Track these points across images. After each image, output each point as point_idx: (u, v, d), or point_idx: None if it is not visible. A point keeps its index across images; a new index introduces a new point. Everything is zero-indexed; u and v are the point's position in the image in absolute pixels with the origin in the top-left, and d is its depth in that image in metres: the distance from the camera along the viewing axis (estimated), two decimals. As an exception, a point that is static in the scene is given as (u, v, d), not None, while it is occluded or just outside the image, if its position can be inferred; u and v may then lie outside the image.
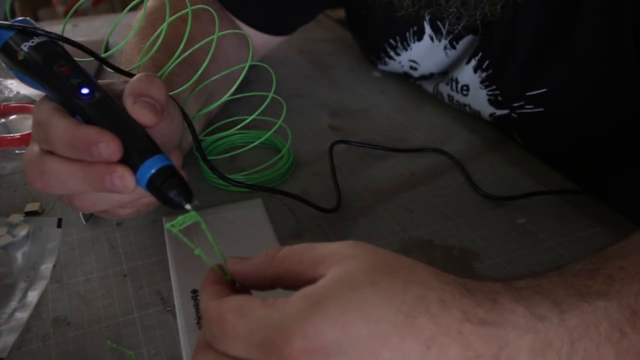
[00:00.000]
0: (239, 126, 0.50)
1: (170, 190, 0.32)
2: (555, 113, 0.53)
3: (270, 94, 0.48)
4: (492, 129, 0.61)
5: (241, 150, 0.52)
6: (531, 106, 0.54)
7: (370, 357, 0.23)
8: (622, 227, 0.46)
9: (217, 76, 0.49)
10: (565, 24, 0.49)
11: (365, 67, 0.75)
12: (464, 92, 0.60)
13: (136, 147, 0.32)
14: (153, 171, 0.31)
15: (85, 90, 0.33)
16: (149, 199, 0.35)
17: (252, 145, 0.52)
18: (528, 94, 0.53)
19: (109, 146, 0.31)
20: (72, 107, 0.34)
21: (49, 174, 0.34)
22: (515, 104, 0.55)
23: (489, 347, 0.24)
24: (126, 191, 0.32)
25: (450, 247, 0.44)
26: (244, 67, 0.57)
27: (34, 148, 0.35)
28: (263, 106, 0.49)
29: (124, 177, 0.32)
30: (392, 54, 0.66)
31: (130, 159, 0.32)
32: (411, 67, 0.66)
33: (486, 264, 0.42)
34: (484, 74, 0.57)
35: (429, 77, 0.66)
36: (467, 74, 0.58)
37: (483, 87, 0.57)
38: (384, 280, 0.25)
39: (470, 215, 0.48)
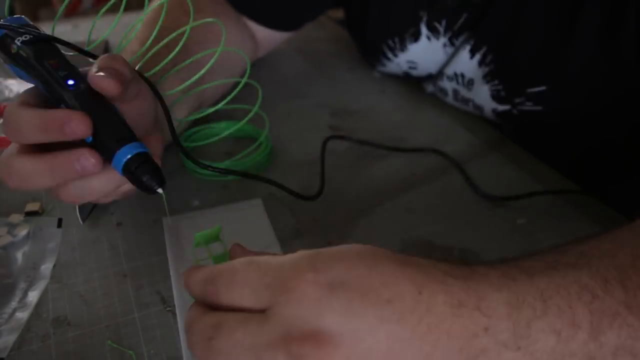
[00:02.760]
0: (208, 110, 0.50)
1: (143, 174, 0.35)
2: (553, 112, 0.54)
3: (244, 80, 0.48)
4: (491, 129, 0.61)
5: (215, 138, 0.51)
6: (530, 103, 0.54)
7: (370, 292, 0.25)
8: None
9: (209, 85, 0.50)
10: (568, 24, 0.49)
11: (365, 67, 0.75)
12: (470, 87, 0.60)
13: (114, 134, 0.35)
14: (129, 157, 0.34)
15: (71, 82, 0.36)
16: (129, 185, 0.37)
17: (225, 133, 0.51)
18: (529, 90, 0.53)
19: (80, 123, 0.34)
20: (58, 97, 0.36)
21: (17, 172, 0.36)
22: (516, 100, 0.55)
23: (470, 298, 0.26)
24: (96, 169, 0.34)
25: (450, 247, 0.44)
26: (240, 65, 0.58)
27: (8, 150, 0.37)
28: (235, 91, 0.48)
29: (90, 156, 0.34)
30: (390, 55, 0.66)
31: (109, 146, 0.35)
32: (410, 67, 0.66)
33: (486, 264, 0.42)
34: (487, 69, 0.57)
35: (427, 78, 0.66)
36: (472, 68, 0.58)
37: (486, 82, 0.57)
38: (377, 249, 0.28)
39: (470, 215, 0.48)
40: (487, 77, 0.57)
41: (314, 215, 0.47)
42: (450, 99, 0.65)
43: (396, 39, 0.63)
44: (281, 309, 0.25)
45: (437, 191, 0.51)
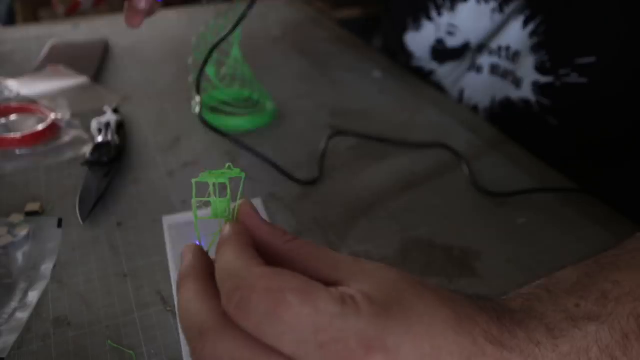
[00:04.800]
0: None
1: None
2: (598, 85, 0.53)
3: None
4: (492, 128, 0.61)
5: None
6: (576, 75, 0.53)
7: None
8: (622, 227, 0.46)
9: None
10: None
11: (365, 67, 0.75)
12: (515, 59, 0.59)
13: None
14: None
15: None
16: None
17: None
18: (577, 60, 0.53)
19: None
20: None
21: None
22: (561, 71, 0.55)
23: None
24: None
25: (450, 247, 0.44)
26: None
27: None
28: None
29: None
30: (433, 14, 0.64)
31: None
32: (448, 33, 0.64)
33: (486, 264, 0.42)
34: (537, 39, 0.56)
35: (460, 52, 0.64)
36: (522, 40, 0.57)
37: (533, 53, 0.57)
38: (427, 291, 0.24)
39: (471, 215, 0.48)
40: (536, 48, 0.56)
41: (314, 215, 0.47)
42: (485, 75, 0.63)
43: None
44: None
45: (437, 190, 0.51)
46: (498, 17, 0.59)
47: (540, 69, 0.56)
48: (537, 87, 0.58)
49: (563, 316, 0.27)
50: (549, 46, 0.55)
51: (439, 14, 0.64)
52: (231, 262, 0.24)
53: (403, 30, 0.70)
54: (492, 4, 0.59)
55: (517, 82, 0.60)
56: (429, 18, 0.65)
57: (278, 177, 0.52)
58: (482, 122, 0.63)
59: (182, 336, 0.36)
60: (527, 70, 0.58)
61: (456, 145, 0.57)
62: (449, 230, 0.46)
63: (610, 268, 0.29)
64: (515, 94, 0.60)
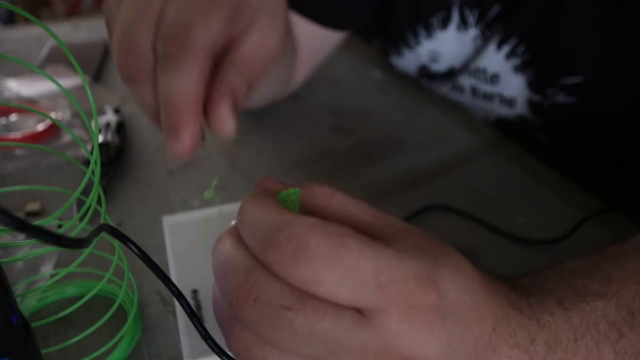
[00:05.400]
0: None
1: None
2: (586, 105, 0.52)
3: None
4: (491, 129, 0.61)
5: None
6: (563, 94, 0.53)
7: (468, 326, 0.24)
8: (623, 228, 0.46)
9: None
10: (615, 15, 0.48)
11: (365, 67, 0.75)
12: (494, 81, 0.59)
13: None
14: None
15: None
16: None
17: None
18: (563, 80, 0.53)
19: None
20: None
21: None
22: (549, 91, 0.54)
23: (524, 339, 0.26)
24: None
25: (450, 247, 0.44)
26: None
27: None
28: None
29: None
30: (412, 42, 0.64)
31: None
32: (432, 60, 0.64)
33: (486, 264, 0.42)
34: (519, 60, 0.56)
35: (447, 75, 0.64)
36: (497, 62, 0.57)
37: (519, 73, 0.56)
38: (461, 255, 0.27)
39: (470, 215, 0.48)
40: (521, 68, 0.56)
41: (314, 215, 0.47)
42: (467, 97, 0.63)
43: (422, 25, 0.61)
44: (390, 322, 0.22)
45: (437, 191, 0.51)
46: (480, 43, 0.59)
47: (531, 86, 0.56)
48: (532, 106, 0.58)
49: (571, 292, 0.28)
50: (533, 66, 0.55)
51: (418, 42, 0.63)
52: (273, 214, 0.23)
53: (387, 54, 0.70)
54: (473, 32, 0.59)
55: (510, 102, 0.59)
56: (409, 46, 0.65)
57: (278, 177, 0.52)
58: (482, 122, 0.63)
59: (182, 336, 0.36)
60: (518, 89, 0.57)
61: (456, 145, 0.57)
62: (449, 230, 0.46)
63: (613, 256, 0.30)
64: (509, 113, 0.60)
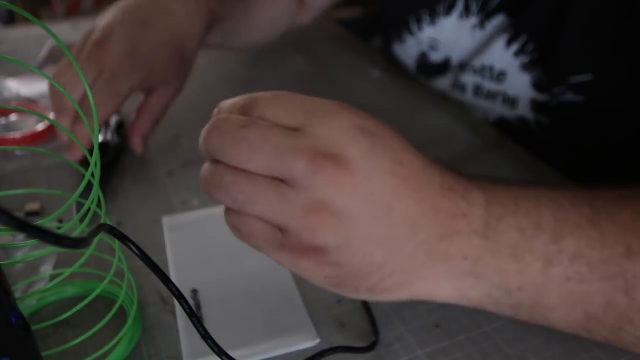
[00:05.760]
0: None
1: None
2: (595, 103, 0.52)
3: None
4: (491, 129, 0.61)
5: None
6: (571, 93, 0.53)
7: (390, 149, 0.30)
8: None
9: None
10: (626, 12, 0.48)
11: (365, 67, 0.75)
12: (500, 79, 0.59)
13: None
14: None
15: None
16: None
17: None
18: (572, 79, 0.52)
19: None
20: None
21: None
22: (556, 90, 0.54)
23: (459, 187, 0.30)
24: None
25: (450, 247, 0.44)
26: (277, 22, 0.67)
27: None
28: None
29: None
30: (414, 28, 0.64)
31: None
32: (430, 48, 0.64)
33: (486, 264, 0.42)
34: (527, 58, 0.55)
35: (443, 66, 0.64)
36: (505, 60, 0.57)
37: (526, 72, 0.56)
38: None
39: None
40: (528, 66, 0.56)
41: (314, 215, 0.47)
42: (469, 95, 0.63)
43: (427, 10, 0.62)
44: (315, 129, 0.29)
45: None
46: (479, 34, 0.59)
47: (537, 86, 0.56)
48: (536, 105, 0.57)
49: (520, 185, 0.32)
50: (541, 65, 0.55)
51: (420, 28, 0.64)
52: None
53: (390, 41, 0.70)
54: (473, 20, 0.58)
55: (512, 102, 0.59)
56: (411, 32, 0.65)
57: (278, 177, 0.52)
58: (482, 122, 0.63)
59: (182, 336, 0.36)
60: (523, 89, 0.57)
61: (456, 145, 0.57)
62: (449, 230, 0.46)
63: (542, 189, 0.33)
64: (511, 113, 0.60)
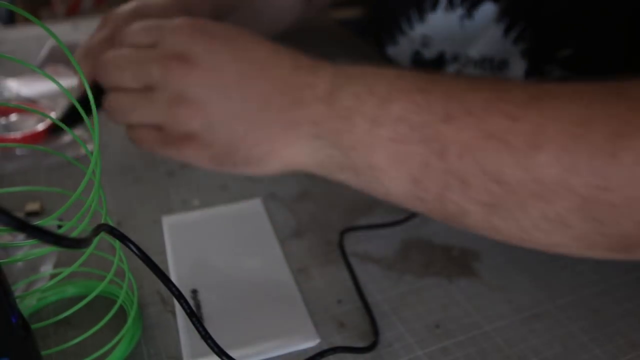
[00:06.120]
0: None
1: None
2: (577, 78, 0.52)
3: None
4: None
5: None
6: (559, 69, 0.53)
7: (231, 42, 0.37)
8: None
9: None
10: None
11: (365, 67, 0.75)
12: (502, 68, 0.58)
13: None
14: None
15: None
16: None
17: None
18: (557, 55, 0.52)
19: None
20: None
21: None
22: (546, 68, 0.54)
23: (309, 66, 0.37)
24: None
25: (450, 247, 0.44)
26: (284, 11, 0.70)
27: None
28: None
29: None
30: (406, 28, 0.64)
31: None
32: (423, 45, 0.64)
33: (486, 264, 0.42)
34: (525, 45, 0.55)
35: (438, 62, 0.64)
36: (504, 47, 0.57)
37: (522, 58, 0.56)
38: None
39: (470, 215, 0.48)
40: (524, 53, 0.55)
41: (314, 215, 0.47)
42: None
43: (415, 8, 0.62)
44: (166, 40, 0.36)
45: (437, 191, 0.51)
46: (469, 24, 0.59)
47: (529, 73, 0.56)
48: None
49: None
50: (534, 48, 0.55)
51: (411, 27, 0.64)
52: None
53: (383, 45, 0.71)
54: (459, 11, 0.58)
55: None
56: (403, 32, 0.65)
57: (278, 177, 0.52)
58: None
59: (182, 336, 0.36)
60: (521, 76, 0.57)
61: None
62: (449, 230, 0.46)
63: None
64: None
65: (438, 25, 0.61)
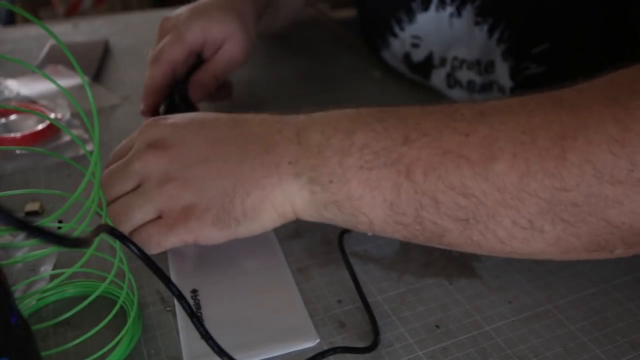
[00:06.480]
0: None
1: None
2: (554, 72, 0.52)
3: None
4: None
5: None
6: (535, 65, 0.53)
7: (194, 121, 0.41)
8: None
9: None
10: None
11: (365, 67, 0.75)
12: (489, 69, 0.58)
13: None
14: None
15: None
16: None
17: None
18: (533, 51, 0.53)
19: None
20: None
21: None
22: (523, 64, 0.54)
23: (276, 121, 0.40)
24: None
25: (450, 247, 0.44)
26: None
27: None
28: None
29: None
30: (396, 30, 0.65)
31: None
32: (413, 45, 0.64)
33: (486, 264, 0.42)
34: (504, 45, 0.55)
35: (427, 62, 0.64)
36: (491, 48, 0.57)
37: (504, 60, 0.56)
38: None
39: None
40: (505, 54, 0.56)
41: (314, 215, 0.47)
42: (463, 92, 0.63)
43: (404, 10, 0.62)
44: (138, 140, 0.40)
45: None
46: (457, 22, 0.58)
47: (511, 75, 0.56)
48: (513, 88, 0.57)
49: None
50: (513, 47, 0.55)
51: (402, 28, 0.64)
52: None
53: (377, 50, 0.71)
54: (449, 9, 0.58)
55: (502, 90, 0.59)
56: (394, 34, 0.65)
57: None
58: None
59: (182, 336, 0.36)
60: (506, 78, 0.57)
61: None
62: (449, 231, 0.46)
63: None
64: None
65: (428, 24, 0.61)
